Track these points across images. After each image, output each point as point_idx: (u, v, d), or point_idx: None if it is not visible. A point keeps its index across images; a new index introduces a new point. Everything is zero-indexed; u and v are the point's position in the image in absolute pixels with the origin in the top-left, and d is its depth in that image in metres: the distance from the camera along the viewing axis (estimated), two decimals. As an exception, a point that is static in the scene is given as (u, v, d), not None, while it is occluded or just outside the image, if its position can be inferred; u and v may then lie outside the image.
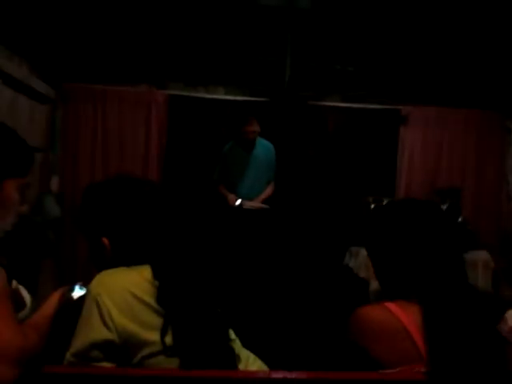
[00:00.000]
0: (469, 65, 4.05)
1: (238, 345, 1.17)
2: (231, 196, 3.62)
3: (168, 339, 0.98)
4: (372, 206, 3.75)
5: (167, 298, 1.00)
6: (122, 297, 0.96)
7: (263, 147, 3.79)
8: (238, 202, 3.55)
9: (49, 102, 3.70)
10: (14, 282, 1.17)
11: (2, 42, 2.92)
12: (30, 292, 1.16)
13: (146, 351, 0.96)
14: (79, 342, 0.94)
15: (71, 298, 1.12)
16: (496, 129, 4.21)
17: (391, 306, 1.02)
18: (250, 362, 1.16)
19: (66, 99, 3.82)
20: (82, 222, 1.13)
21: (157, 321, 0.98)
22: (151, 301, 0.99)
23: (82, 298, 1.13)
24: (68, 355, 0.95)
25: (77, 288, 1.16)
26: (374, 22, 3.96)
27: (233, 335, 1.17)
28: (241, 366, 1.11)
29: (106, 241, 1.07)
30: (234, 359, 1.10)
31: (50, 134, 3.75)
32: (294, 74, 4.08)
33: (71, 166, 3.83)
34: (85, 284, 1.17)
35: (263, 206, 3.64)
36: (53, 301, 1.05)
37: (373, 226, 1.15)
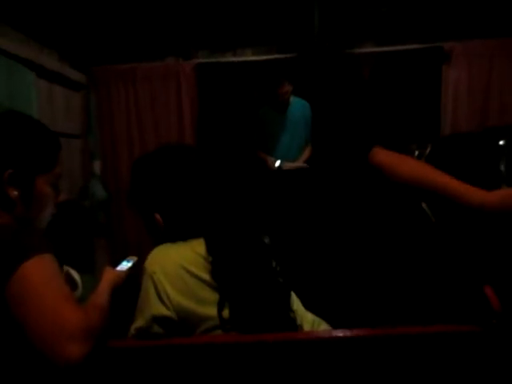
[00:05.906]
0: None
1: (300, 311, 1.14)
2: (270, 159, 3.60)
3: (225, 313, 0.97)
4: (416, 153, 3.57)
5: (222, 273, 0.98)
6: (176, 274, 0.96)
7: (299, 106, 3.69)
8: (278, 163, 3.53)
9: (82, 89, 3.74)
10: (64, 266, 1.21)
11: (32, 36, 2.97)
12: (87, 269, 1.19)
13: (203, 326, 0.96)
14: (140, 317, 0.95)
15: (121, 272, 1.14)
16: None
17: None
18: (315, 327, 1.14)
19: (97, 83, 3.84)
20: (134, 199, 1.13)
21: (213, 296, 0.97)
22: (206, 276, 0.98)
23: (132, 267, 1.17)
24: (132, 329, 0.97)
25: (124, 262, 1.18)
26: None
27: (295, 304, 1.12)
28: None
29: (158, 216, 1.06)
30: (296, 330, 1.07)
31: (86, 119, 3.81)
32: (322, 23, 3.86)
33: (110, 148, 3.88)
34: (133, 257, 1.21)
35: (303, 165, 3.58)
36: (106, 278, 1.06)
37: None
